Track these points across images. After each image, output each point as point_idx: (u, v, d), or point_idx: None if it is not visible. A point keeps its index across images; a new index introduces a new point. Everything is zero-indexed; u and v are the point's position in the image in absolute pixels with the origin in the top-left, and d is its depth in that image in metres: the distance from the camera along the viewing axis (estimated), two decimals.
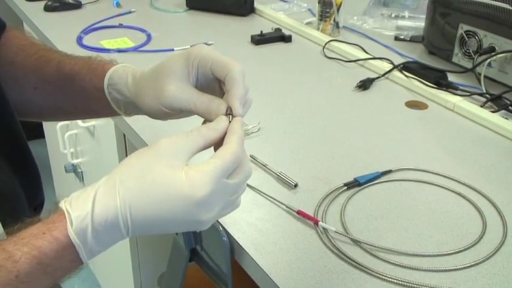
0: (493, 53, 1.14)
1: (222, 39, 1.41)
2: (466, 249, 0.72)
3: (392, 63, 1.22)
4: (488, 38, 1.15)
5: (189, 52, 0.57)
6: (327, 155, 0.92)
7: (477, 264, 0.69)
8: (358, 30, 1.47)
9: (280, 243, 0.72)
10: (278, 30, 1.44)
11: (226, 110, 0.54)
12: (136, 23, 1.50)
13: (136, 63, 0.66)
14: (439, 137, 0.99)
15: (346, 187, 0.83)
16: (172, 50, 1.33)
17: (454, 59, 1.25)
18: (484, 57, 1.15)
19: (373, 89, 1.16)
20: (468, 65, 1.19)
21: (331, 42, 1.35)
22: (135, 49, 1.34)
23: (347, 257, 0.70)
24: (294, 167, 0.88)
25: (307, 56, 1.33)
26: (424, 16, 1.35)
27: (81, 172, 1.66)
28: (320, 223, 0.74)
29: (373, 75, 1.20)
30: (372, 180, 0.85)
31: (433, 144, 0.96)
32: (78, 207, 0.46)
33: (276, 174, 0.85)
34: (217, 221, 0.74)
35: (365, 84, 1.16)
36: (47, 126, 1.95)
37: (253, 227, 0.75)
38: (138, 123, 0.99)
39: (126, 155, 1.28)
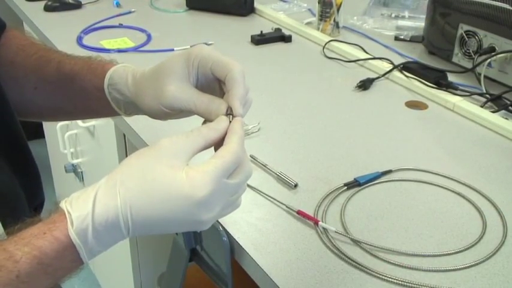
0: (493, 53, 1.14)
1: (222, 39, 1.41)
2: (466, 249, 0.72)
3: (392, 63, 1.22)
4: (488, 38, 1.16)
5: (189, 52, 0.57)
6: (327, 155, 0.92)
7: (477, 264, 0.69)
8: (358, 30, 1.47)
9: (280, 243, 0.72)
10: (278, 30, 1.44)
11: (227, 110, 0.54)
12: (136, 23, 1.50)
13: (136, 63, 0.66)
14: (439, 137, 0.99)
15: (346, 187, 0.83)
16: (172, 50, 1.33)
17: (454, 59, 1.25)
18: (484, 57, 1.15)
19: (373, 89, 1.16)
20: (468, 65, 1.19)
21: (331, 42, 1.35)
22: (135, 49, 1.34)
23: (347, 257, 0.70)
24: (294, 167, 0.88)
25: (307, 56, 1.33)
26: (424, 16, 1.35)
27: (81, 172, 1.66)
28: (320, 223, 0.74)
29: (373, 75, 1.20)
30: (372, 180, 0.85)
31: (433, 144, 0.96)
32: (79, 208, 0.46)
33: (276, 174, 0.85)
34: (217, 221, 0.74)
35: (365, 84, 1.16)
36: (47, 126, 1.95)
37: (253, 227, 0.75)
38: (138, 123, 0.99)
39: (126, 155, 1.28)
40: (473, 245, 0.72)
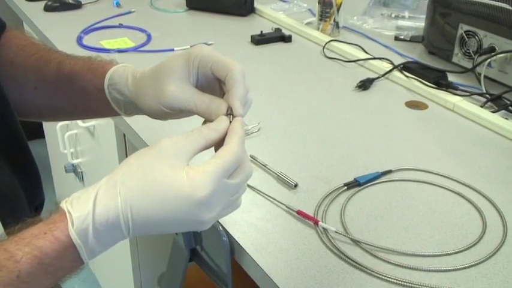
0: (493, 53, 1.14)
1: (222, 39, 1.41)
2: (466, 249, 0.72)
3: (392, 63, 1.22)
4: (488, 38, 1.16)
5: (189, 52, 0.57)
6: (327, 155, 0.92)
7: (477, 264, 0.69)
8: (358, 30, 1.47)
9: (280, 243, 0.72)
10: (278, 30, 1.44)
11: (227, 110, 0.54)
12: (136, 23, 1.50)
13: (136, 63, 0.66)
14: (439, 137, 0.99)
15: (346, 187, 0.83)
16: (172, 50, 1.33)
17: (454, 59, 1.25)
18: (484, 57, 1.15)
19: (373, 89, 1.16)
20: (468, 65, 1.19)
21: (331, 42, 1.35)
22: (135, 49, 1.34)
23: (347, 257, 0.70)
24: (294, 167, 0.88)
25: (307, 56, 1.33)
26: (424, 16, 1.35)
27: (81, 172, 1.66)
28: (320, 223, 0.74)
29: (373, 75, 1.20)
30: (372, 180, 0.85)
31: (433, 144, 0.96)
32: (79, 208, 0.46)
33: (276, 174, 0.85)
34: (217, 221, 0.74)
35: (365, 84, 1.16)
36: (47, 126, 1.95)
37: (253, 227, 0.75)
38: (138, 123, 0.99)
39: (126, 155, 1.28)
40: (473, 245, 0.72)
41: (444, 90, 1.11)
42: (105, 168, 1.42)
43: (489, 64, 1.15)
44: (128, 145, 1.27)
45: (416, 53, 1.35)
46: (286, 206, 0.78)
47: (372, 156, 0.92)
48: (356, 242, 0.72)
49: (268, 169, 0.87)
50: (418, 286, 0.65)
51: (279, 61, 1.30)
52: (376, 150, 0.94)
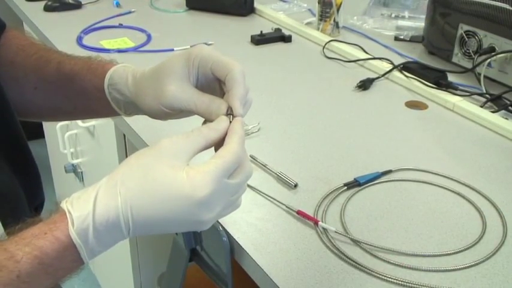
0: (493, 53, 1.14)
1: (222, 39, 1.41)
2: (466, 249, 0.72)
3: (392, 63, 1.22)
4: (488, 38, 1.16)
5: (189, 52, 0.57)
6: (327, 155, 0.92)
7: (477, 264, 0.69)
8: (358, 30, 1.47)
9: (280, 243, 0.72)
10: (278, 30, 1.44)
11: (227, 110, 0.54)
12: (136, 23, 1.50)
13: (136, 63, 0.66)
14: (439, 137, 0.99)
15: (346, 187, 0.83)
16: (172, 50, 1.33)
17: (454, 59, 1.25)
18: (484, 57, 1.15)
19: (373, 89, 1.16)
20: (468, 65, 1.20)
21: (331, 42, 1.35)
22: (135, 49, 1.34)
23: (347, 257, 0.70)
24: (294, 167, 0.88)
25: (307, 56, 1.33)
26: (424, 16, 1.35)
27: (81, 172, 1.66)
28: (320, 223, 0.74)
29: (373, 75, 1.20)
30: (372, 180, 0.85)
31: (433, 144, 0.96)
32: (80, 208, 0.46)
33: (276, 174, 0.85)
34: (217, 221, 0.74)
35: (365, 85, 1.16)
36: (47, 126, 1.95)
37: (253, 227, 0.75)
38: (138, 123, 0.99)
39: (126, 155, 1.28)
40: (473, 245, 0.72)
41: (444, 90, 1.11)
42: (105, 168, 1.42)
43: (489, 64, 1.15)
44: (127, 145, 1.27)
45: (416, 53, 1.35)
46: (286, 206, 0.78)
47: (372, 156, 0.92)
48: (356, 242, 0.72)
49: (268, 169, 0.87)
50: (418, 286, 0.65)
51: (279, 61, 1.30)
52: (376, 150, 0.94)
